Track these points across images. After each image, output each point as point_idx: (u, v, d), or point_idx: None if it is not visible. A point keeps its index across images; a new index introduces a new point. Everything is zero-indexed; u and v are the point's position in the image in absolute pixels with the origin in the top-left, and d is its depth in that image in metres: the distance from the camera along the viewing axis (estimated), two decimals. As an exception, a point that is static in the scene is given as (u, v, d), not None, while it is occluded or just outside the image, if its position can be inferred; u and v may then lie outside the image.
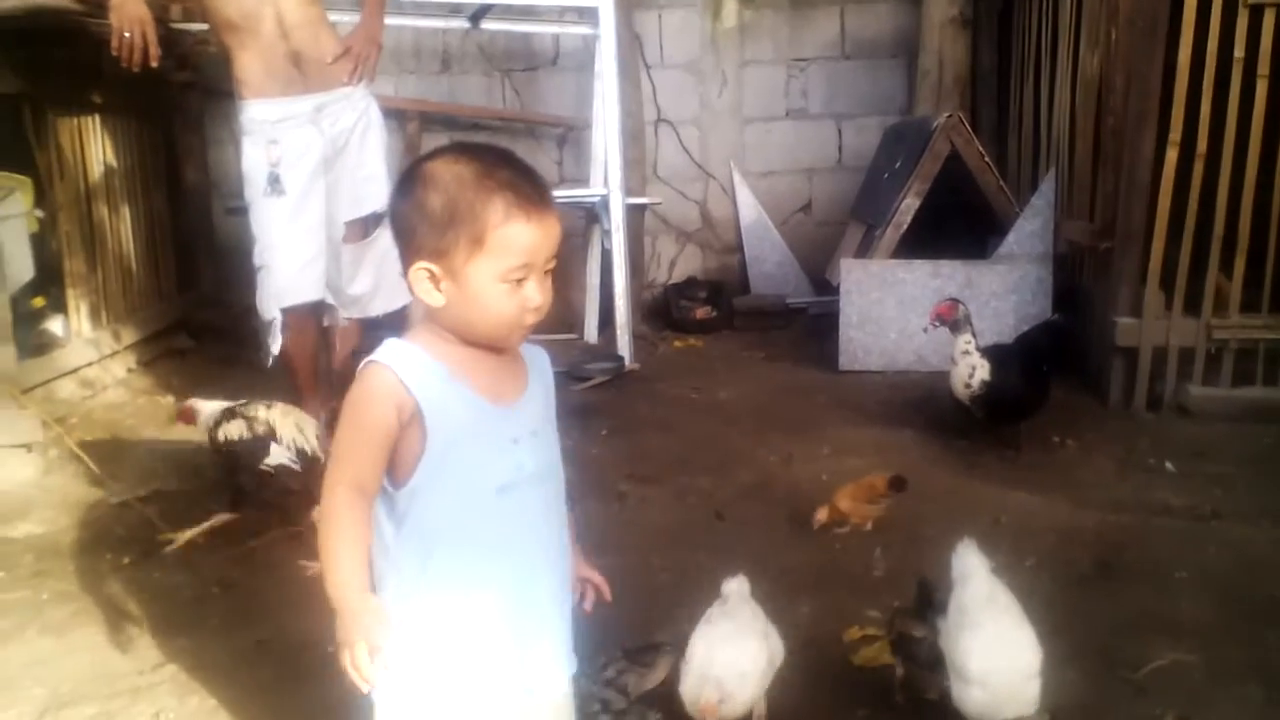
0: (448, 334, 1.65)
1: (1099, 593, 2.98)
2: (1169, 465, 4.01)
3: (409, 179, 1.63)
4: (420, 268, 1.61)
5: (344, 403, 1.64)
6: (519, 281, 1.60)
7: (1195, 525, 3.44)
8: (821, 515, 3.42)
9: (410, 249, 1.62)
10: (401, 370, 1.61)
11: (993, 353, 4.13)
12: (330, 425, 3.29)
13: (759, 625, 2.28)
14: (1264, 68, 4.37)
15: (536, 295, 1.62)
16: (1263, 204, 4.50)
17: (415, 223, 1.60)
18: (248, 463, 3.29)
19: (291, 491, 3.28)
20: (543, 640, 1.73)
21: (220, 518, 3.31)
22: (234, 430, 3.30)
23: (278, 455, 3.28)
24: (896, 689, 2.43)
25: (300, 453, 3.30)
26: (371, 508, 1.62)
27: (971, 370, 4.06)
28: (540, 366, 1.80)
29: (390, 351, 1.64)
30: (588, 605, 1.89)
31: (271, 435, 3.29)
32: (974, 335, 4.13)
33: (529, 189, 1.61)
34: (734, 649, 2.19)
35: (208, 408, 3.49)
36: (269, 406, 3.38)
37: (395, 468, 1.63)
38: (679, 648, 2.39)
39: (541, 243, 1.61)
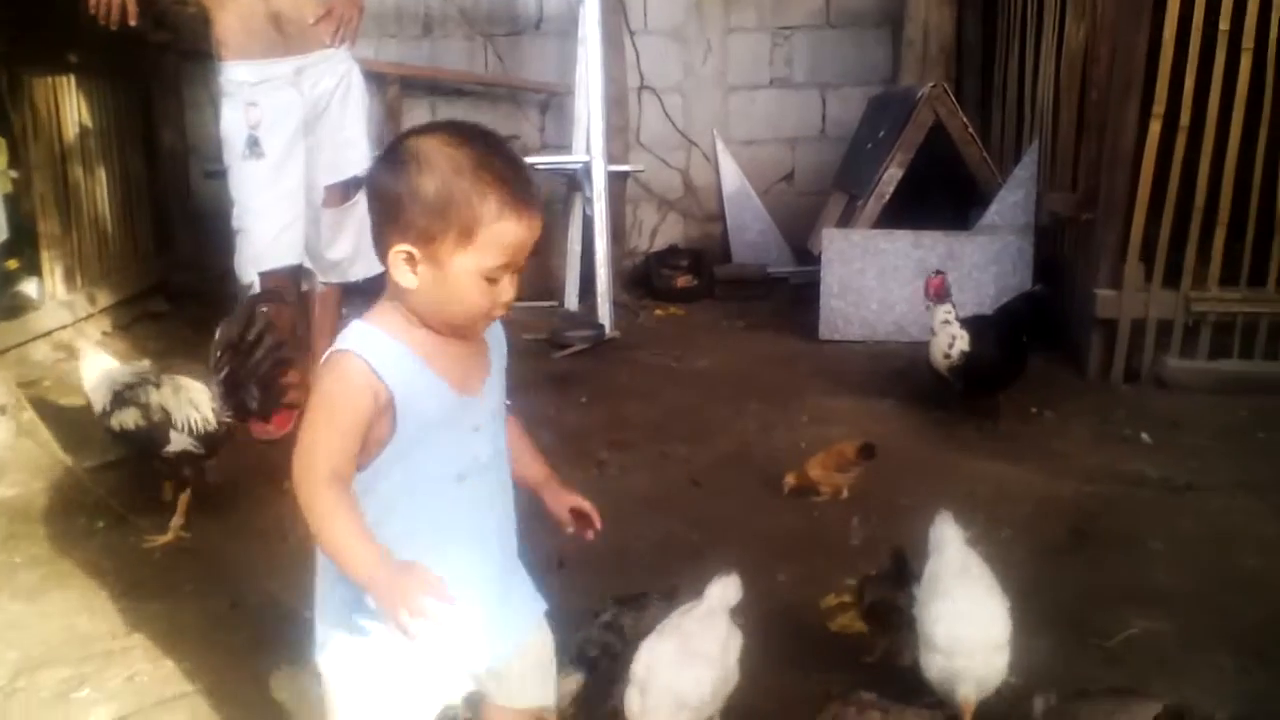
0: (413, 317, 1.63)
1: (1073, 562, 3.00)
2: (1145, 436, 4.03)
3: (401, 155, 1.59)
4: (401, 250, 1.58)
5: (315, 391, 1.61)
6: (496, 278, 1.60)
7: (1170, 496, 3.46)
8: (790, 480, 3.43)
9: (393, 227, 1.58)
10: (374, 359, 1.58)
11: (972, 324, 4.13)
12: (226, 386, 3.20)
13: (714, 648, 2.09)
14: (1248, 40, 4.36)
15: (509, 291, 1.62)
16: (1244, 177, 4.51)
17: (405, 203, 1.56)
18: (148, 450, 3.18)
19: (198, 471, 3.24)
20: (495, 617, 1.75)
21: (182, 499, 3.22)
22: (129, 419, 3.14)
23: (177, 442, 3.15)
24: (877, 651, 2.44)
25: (202, 436, 3.17)
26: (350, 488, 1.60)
27: (951, 341, 4.06)
28: (498, 340, 1.79)
29: (360, 338, 1.61)
30: (590, 534, 1.91)
31: (167, 421, 3.14)
32: (954, 306, 4.13)
33: (521, 186, 1.59)
34: (674, 674, 2.03)
35: (94, 363, 3.30)
36: (158, 386, 3.19)
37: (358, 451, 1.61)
38: (667, 595, 2.40)
39: (526, 242, 1.60)
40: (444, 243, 1.56)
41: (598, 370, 5.01)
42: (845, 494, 3.43)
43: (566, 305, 6.43)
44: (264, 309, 3.31)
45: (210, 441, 3.20)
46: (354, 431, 1.58)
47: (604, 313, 5.63)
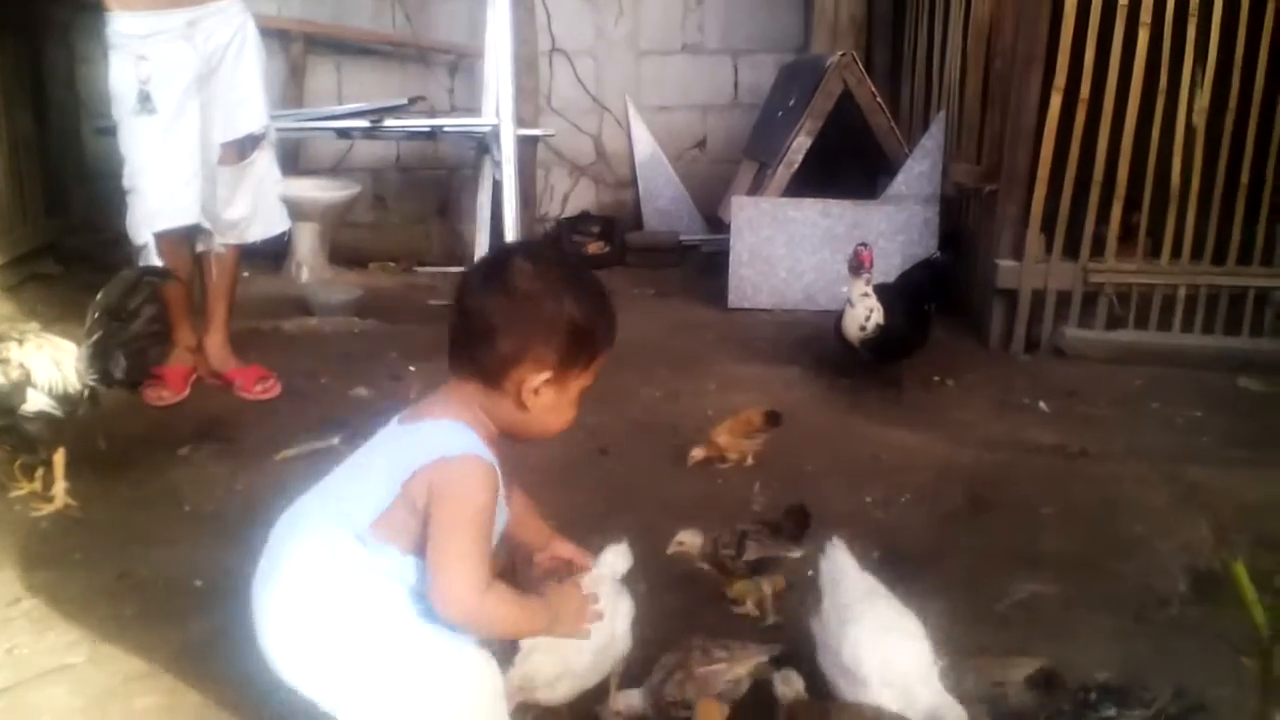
0: (490, 424, 1.77)
1: (969, 527, 3.06)
2: (1043, 405, 4.13)
3: (547, 285, 1.72)
4: (543, 377, 1.72)
5: (459, 499, 1.68)
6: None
7: (1064, 463, 3.54)
8: (698, 454, 3.43)
9: (535, 353, 1.71)
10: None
11: (881, 294, 4.15)
12: (95, 350, 3.07)
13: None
14: (1146, 15, 4.45)
15: None
16: (1140, 151, 4.61)
17: (560, 334, 1.71)
18: (6, 408, 3.02)
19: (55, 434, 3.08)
20: None
21: (58, 459, 3.08)
22: None
23: (35, 401, 3.00)
24: (768, 612, 2.46)
25: (61, 397, 3.03)
26: None
27: (869, 313, 4.05)
28: None
29: (483, 448, 1.73)
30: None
31: (27, 380, 2.99)
32: (871, 277, 4.13)
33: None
34: (555, 641, 1.97)
35: None
36: (20, 341, 3.05)
37: None
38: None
39: None
40: (576, 368, 1.74)
41: (506, 336, 4.95)
42: (750, 461, 3.45)
43: (475, 270, 6.34)
44: (150, 280, 3.23)
45: (70, 404, 3.06)
46: (492, 533, 1.75)
47: (513, 279, 5.57)
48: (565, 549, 2.10)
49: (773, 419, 3.42)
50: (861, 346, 4.14)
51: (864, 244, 4.17)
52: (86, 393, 3.09)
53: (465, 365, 1.76)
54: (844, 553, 2.22)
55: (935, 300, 4.40)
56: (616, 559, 2.22)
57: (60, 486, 3.08)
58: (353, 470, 1.83)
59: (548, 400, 1.73)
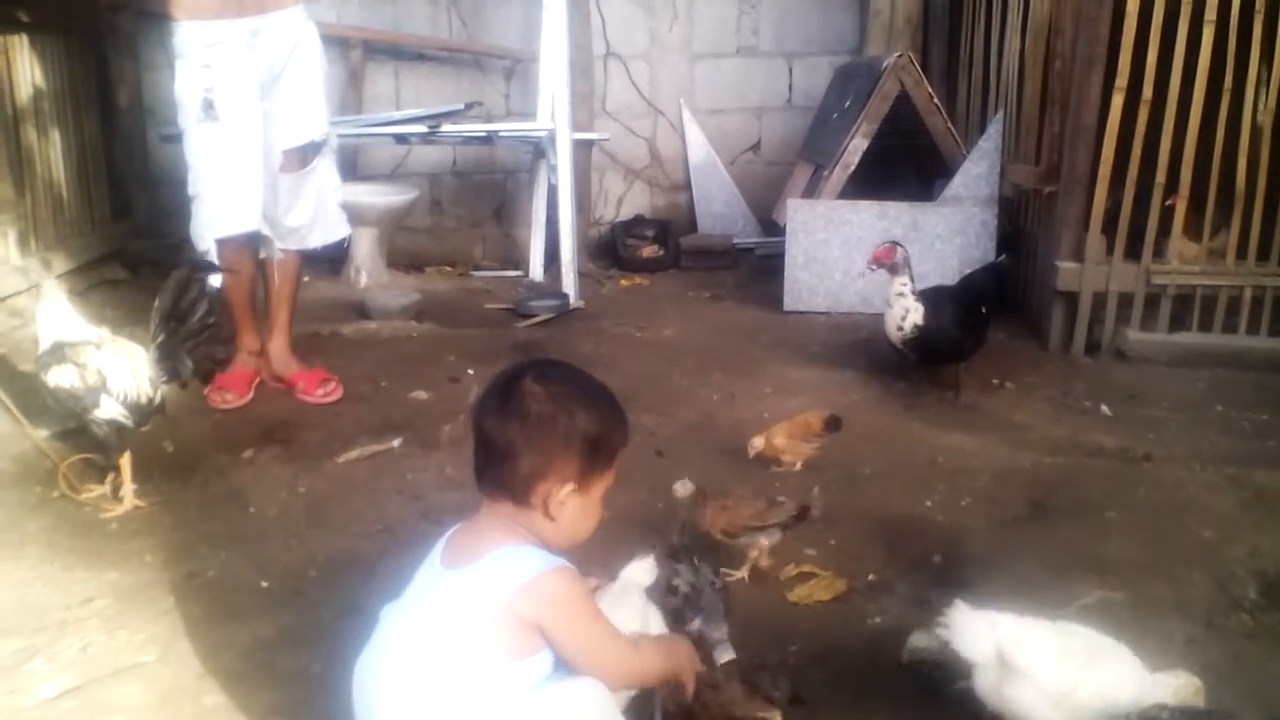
0: (538, 541, 1.82)
1: (1031, 532, 3.03)
2: (1104, 408, 4.07)
3: (556, 403, 1.78)
4: (569, 488, 1.78)
5: (575, 602, 1.78)
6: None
7: (1127, 467, 3.49)
8: (758, 443, 3.42)
9: (558, 469, 1.78)
10: None
11: (929, 295, 4.12)
12: (162, 352, 3.16)
13: (633, 626, 2.06)
14: (1210, 14, 4.38)
15: None
16: (1205, 152, 4.54)
17: (576, 446, 1.78)
18: (77, 412, 3.08)
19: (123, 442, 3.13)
20: None
21: (124, 462, 3.15)
22: (64, 377, 3.02)
23: (108, 408, 3.05)
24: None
25: (133, 406, 3.08)
26: None
27: (905, 313, 4.05)
28: None
29: (556, 557, 1.81)
30: None
31: (102, 386, 3.03)
32: (911, 279, 4.10)
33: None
34: None
35: (50, 310, 3.14)
36: (99, 346, 3.08)
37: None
38: None
39: None
40: (596, 473, 1.81)
41: (562, 340, 4.99)
42: (799, 466, 3.43)
43: (531, 275, 6.40)
44: (198, 277, 3.31)
45: (140, 414, 3.12)
46: None
47: (569, 282, 5.61)
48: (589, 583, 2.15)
49: (832, 424, 3.40)
50: (904, 347, 4.12)
51: (895, 241, 4.17)
52: (157, 402, 3.17)
53: (495, 488, 1.83)
54: (976, 613, 2.04)
55: (995, 304, 4.34)
56: (639, 573, 2.20)
57: (128, 489, 3.15)
58: (427, 605, 1.81)
59: (574, 508, 1.81)
